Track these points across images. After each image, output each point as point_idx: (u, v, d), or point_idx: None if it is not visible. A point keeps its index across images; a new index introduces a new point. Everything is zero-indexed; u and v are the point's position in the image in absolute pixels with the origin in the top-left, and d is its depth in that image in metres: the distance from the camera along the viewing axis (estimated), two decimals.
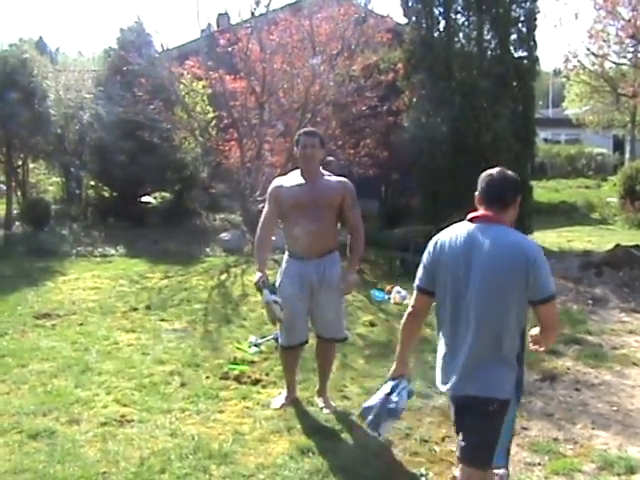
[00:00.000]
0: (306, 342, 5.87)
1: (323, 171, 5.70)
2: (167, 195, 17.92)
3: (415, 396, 6.06)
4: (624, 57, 25.15)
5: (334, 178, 5.69)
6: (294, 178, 5.65)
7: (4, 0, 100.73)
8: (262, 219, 5.69)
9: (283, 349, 5.88)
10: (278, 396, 5.97)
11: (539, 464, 4.89)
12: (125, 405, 5.92)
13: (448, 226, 3.95)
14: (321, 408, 5.78)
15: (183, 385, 6.39)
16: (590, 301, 9.63)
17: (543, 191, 23.60)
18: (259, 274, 5.48)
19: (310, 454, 4.93)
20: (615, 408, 5.92)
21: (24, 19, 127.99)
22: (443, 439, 5.28)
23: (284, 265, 5.75)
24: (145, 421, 5.56)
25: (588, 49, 24.38)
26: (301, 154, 5.56)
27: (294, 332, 5.71)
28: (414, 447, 5.13)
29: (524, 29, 14.35)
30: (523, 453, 5.05)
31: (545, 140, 36.13)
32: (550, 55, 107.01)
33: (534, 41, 14.37)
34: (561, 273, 11.07)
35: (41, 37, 71.69)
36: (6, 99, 14.63)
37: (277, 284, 5.65)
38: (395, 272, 11.71)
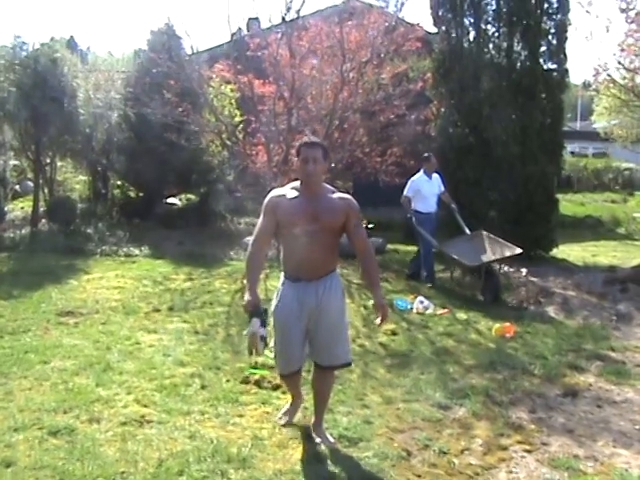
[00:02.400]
0: (301, 369, 5.39)
1: (326, 186, 5.15)
2: (193, 197, 17.99)
3: (436, 407, 6.09)
4: None
5: (337, 195, 5.11)
6: (294, 192, 5.06)
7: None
8: (255, 233, 5.05)
9: (283, 378, 5.53)
10: (284, 410, 5.67)
11: None
12: (145, 406, 5.93)
13: None
14: (318, 443, 5.27)
15: (203, 388, 6.39)
16: (614, 317, 9.55)
17: (569, 204, 23.45)
18: (249, 297, 4.82)
19: (328, 462, 4.93)
20: (638, 427, 5.84)
21: (56, 18, 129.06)
22: (462, 452, 5.25)
23: (280, 287, 5.21)
24: (164, 422, 5.57)
25: (619, 62, 24.15)
26: (301, 169, 4.98)
27: (291, 359, 5.19)
28: (433, 458, 5.10)
29: (554, 41, 14.30)
30: (542, 469, 5.01)
31: (572, 153, 35.92)
32: (579, 67, 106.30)
33: (564, 54, 14.32)
34: (585, 288, 11.02)
35: (72, 36, 72.22)
36: (36, 98, 14.75)
37: (272, 308, 5.16)
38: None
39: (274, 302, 5.19)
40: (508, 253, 10.59)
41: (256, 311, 4.85)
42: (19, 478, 4.60)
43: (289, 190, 5.08)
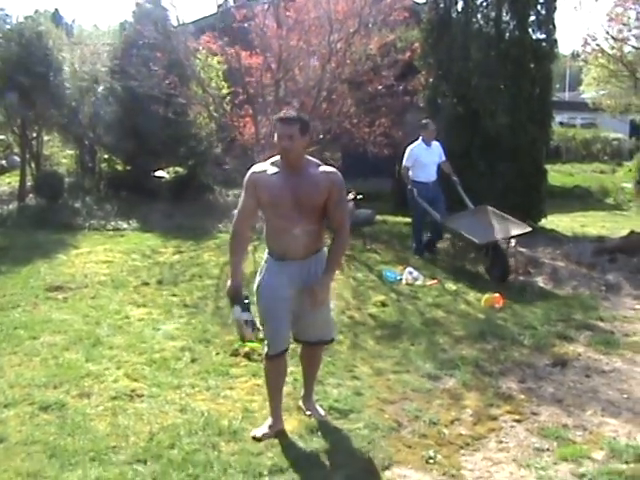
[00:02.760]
0: (288, 348, 5.06)
1: (309, 158, 4.88)
2: (180, 170, 17.90)
3: (426, 378, 6.12)
4: None
5: (321, 169, 4.83)
6: (274, 167, 4.81)
7: None
8: (237, 212, 4.89)
9: (269, 360, 4.97)
10: (260, 427, 5.02)
11: (548, 450, 4.86)
12: (135, 380, 5.94)
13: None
14: (308, 415, 5.23)
15: (193, 361, 6.40)
16: (603, 287, 9.57)
17: (557, 175, 23.44)
18: (230, 282, 4.82)
19: (319, 433, 4.94)
20: (626, 396, 5.88)
21: None
22: (452, 422, 5.27)
23: (263, 264, 4.98)
24: (155, 396, 5.59)
25: (607, 32, 24.12)
26: (278, 145, 4.73)
27: (281, 336, 4.90)
28: (423, 429, 5.12)
29: (543, 11, 14.18)
30: (532, 438, 5.04)
31: (561, 124, 35.87)
32: (568, 38, 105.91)
33: (553, 23, 14.22)
34: (574, 258, 11.04)
35: (57, 9, 71.38)
36: (21, 71, 14.62)
37: (255, 285, 4.93)
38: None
39: (257, 279, 4.96)
40: (517, 231, 10.29)
41: (237, 297, 4.79)
42: (10, 453, 4.61)
43: (269, 165, 4.83)
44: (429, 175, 11.19)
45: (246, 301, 4.81)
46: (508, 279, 9.94)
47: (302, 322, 4.97)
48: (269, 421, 5.03)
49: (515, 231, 10.27)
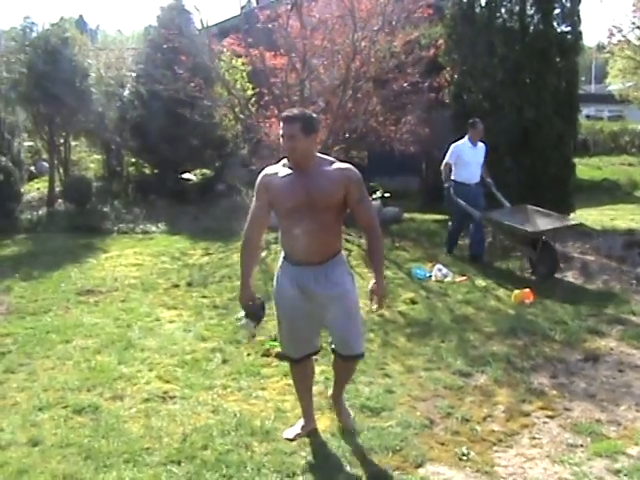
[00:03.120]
0: (317, 352, 5.01)
1: (322, 157, 4.65)
2: (207, 172, 17.98)
3: (457, 375, 6.10)
4: None
5: (335, 166, 4.56)
6: (286, 168, 4.58)
7: None
8: (249, 217, 4.68)
9: (292, 363, 4.95)
10: (292, 427, 5.01)
11: (581, 445, 4.82)
12: (168, 381, 5.98)
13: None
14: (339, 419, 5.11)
15: (225, 362, 6.43)
16: (634, 281, 9.47)
17: (585, 168, 23.26)
18: (242, 291, 4.70)
19: (351, 432, 4.94)
20: None
21: None
22: (484, 419, 5.25)
23: (279, 269, 4.78)
24: (187, 397, 5.62)
25: (633, 23, 23.98)
26: (282, 145, 4.54)
27: (298, 340, 4.80)
28: (455, 426, 5.10)
29: (568, 3, 14.07)
30: (565, 434, 5.00)
31: (587, 117, 35.61)
32: (593, 30, 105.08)
33: (578, 16, 14.11)
34: (604, 252, 10.94)
35: (81, 16, 72.04)
36: (48, 78, 14.76)
37: (273, 288, 4.86)
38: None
39: (274, 284, 4.83)
40: (565, 223, 10.10)
41: (249, 308, 4.69)
42: (46, 456, 4.65)
43: (281, 167, 4.59)
44: (471, 176, 10.71)
45: (260, 312, 4.74)
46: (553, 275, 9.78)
47: (330, 330, 4.80)
48: (301, 421, 5.00)
49: (563, 223, 10.19)
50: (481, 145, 10.84)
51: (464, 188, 10.54)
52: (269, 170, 4.63)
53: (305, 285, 4.59)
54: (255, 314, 4.70)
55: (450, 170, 10.69)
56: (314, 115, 4.72)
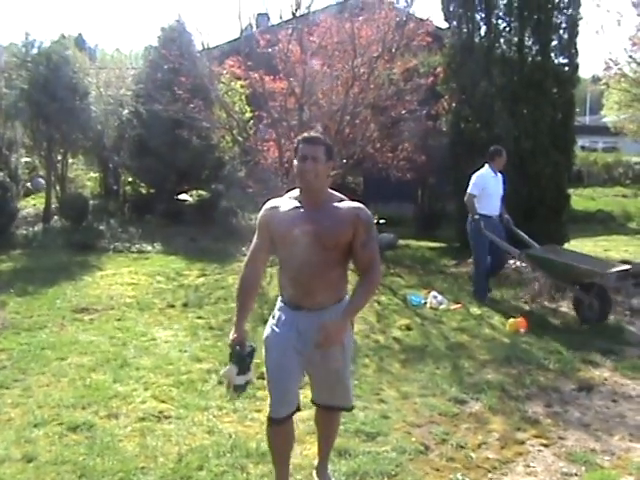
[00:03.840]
0: (298, 410, 4.29)
1: (332, 193, 4.18)
2: (204, 193, 18.02)
3: (452, 402, 6.11)
4: None
5: (346, 204, 4.09)
6: (292, 201, 4.14)
7: None
8: (249, 255, 4.28)
9: (272, 425, 4.21)
10: None
11: (576, 474, 4.85)
12: (163, 401, 5.99)
13: None
14: None
15: (220, 383, 6.40)
16: (628, 312, 9.52)
17: (579, 199, 23.36)
18: (234, 334, 4.16)
19: (347, 456, 4.95)
20: None
21: (64, 16, 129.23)
22: (479, 446, 5.27)
23: (275, 312, 4.26)
24: (183, 417, 5.63)
25: (630, 56, 24.14)
26: (299, 169, 4.02)
27: (286, 396, 4.15)
28: (450, 452, 5.12)
29: (565, 36, 14.22)
30: (560, 463, 5.02)
31: (582, 148, 35.79)
32: (589, 61, 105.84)
33: (575, 48, 14.25)
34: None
35: (80, 34, 72.19)
36: (48, 95, 14.82)
37: (265, 334, 4.26)
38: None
39: (267, 330, 4.26)
40: (622, 266, 9.56)
41: (238, 354, 4.12)
42: (41, 473, 4.65)
43: (286, 200, 4.17)
44: (494, 208, 10.11)
45: (248, 359, 4.16)
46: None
47: (318, 384, 4.36)
48: None
49: (621, 266, 9.66)
50: (500, 175, 10.36)
51: (487, 221, 9.87)
52: (272, 203, 4.21)
53: (305, 330, 4.07)
54: (242, 359, 4.12)
55: (474, 201, 9.95)
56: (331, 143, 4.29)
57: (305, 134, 4.18)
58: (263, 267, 4.35)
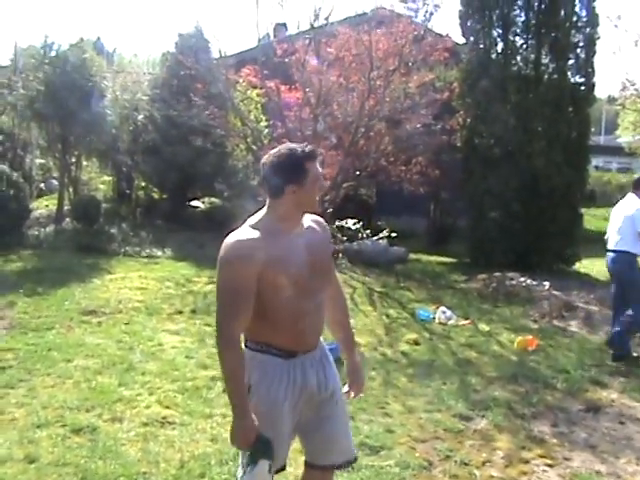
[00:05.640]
0: (283, 469, 3.50)
1: None
2: (216, 201, 18.03)
3: (457, 418, 6.07)
4: None
5: (311, 218, 3.55)
6: (271, 234, 3.28)
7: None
8: (229, 314, 3.25)
9: None
10: None
11: None
12: (167, 407, 5.96)
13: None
14: None
15: (225, 391, 6.38)
16: (638, 333, 9.45)
17: (592, 219, 23.28)
18: (248, 423, 3.18)
19: (350, 469, 4.89)
20: None
21: (84, 19, 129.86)
22: (484, 463, 5.22)
23: (259, 370, 3.33)
24: (186, 424, 5.60)
25: None
26: (312, 190, 3.35)
27: (278, 458, 3.34)
28: (454, 470, 5.08)
29: (582, 55, 14.29)
30: None
31: (596, 167, 35.71)
32: (605, 81, 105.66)
33: (592, 67, 14.27)
34: (609, 303, 10.90)
35: (99, 38, 72.51)
36: (64, 97, 14.87)
37: (256, 400, 3.28)
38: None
39: (256, 391, 3.31)
40: None
41: (260, 442, 3.20)
42: (42, 474, 4.63)
43: (259, 231, 3.29)
44: None
45: (270, 450, 3.25)
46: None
47: (316, 437, 3.56)
48: None
49: None
50: None
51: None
52: (248, 238, 3.26)
53: (304, 380, 3.40)
54: (270, 448, 3.24)
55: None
56: None
57: (308, 149, 3.35)
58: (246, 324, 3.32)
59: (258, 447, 3.18)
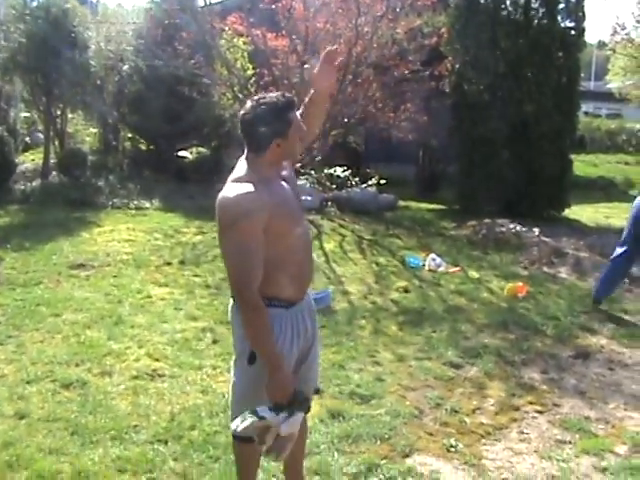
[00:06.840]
0: None
1: None
2: (204, 151, 17.88)
3: (448, 366, 6.08)
4: None
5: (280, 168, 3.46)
6: (263, 183, 3.16)
7: None
8: (250, 268, 3.10)
9: (242, 443, 3.44)
10: None
11: (570, 442, 4.82)
12: (157, 359, 5.95)
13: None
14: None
15: (215, 342, 6.40)
16: (626, 280, 9.45)
17: (581, 165, 23.20)
18: (286, 375, 3.17)
19: (341, 419, 4.93)
20: None
21: None
22: (474, 411, 5.24)
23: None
24: (176, 376, 5.60)
25: (638, 21, 23.94)
26: (294, 140, 3.28)
27: None
28: (444, 417, 5.09)
29: None
30: (554, 430, 4.99)
31: (585, 113, 35.51)
32: (595, 26, 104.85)
33: (582, 12, 14.10)
34: (598, 250, 10.91)
35: None
36: (47, 49, 14.62)
37: (247, 356, 3.27)
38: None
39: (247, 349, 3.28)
40: None
41: (298, 397, 3.20)
42: (32, 429, 4.62)
43: (253, 183, 3.14)
44: None
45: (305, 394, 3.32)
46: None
47: (304, 369, 3.51)
48: None
49: None
50: None
51: None
52: (250, 191, 3.11)
53: (303, 328, 3.44)
54: (306, 401, 3.30)
55: None
56: None
57: (288, 98, 3.27)
58: None
59: (295, 399, 3.18)
